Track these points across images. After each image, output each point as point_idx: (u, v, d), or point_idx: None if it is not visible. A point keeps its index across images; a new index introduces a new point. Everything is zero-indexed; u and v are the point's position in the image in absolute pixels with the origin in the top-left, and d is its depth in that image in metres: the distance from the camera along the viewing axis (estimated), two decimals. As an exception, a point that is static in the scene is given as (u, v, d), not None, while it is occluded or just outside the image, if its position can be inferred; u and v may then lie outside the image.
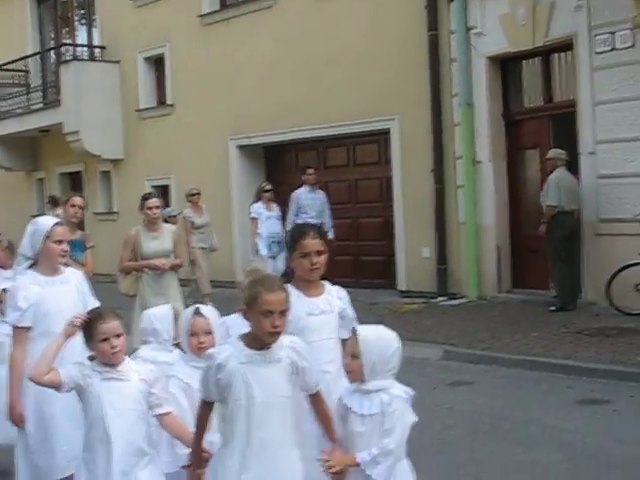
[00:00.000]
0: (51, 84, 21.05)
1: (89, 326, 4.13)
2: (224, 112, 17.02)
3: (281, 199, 14.69)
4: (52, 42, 22.64)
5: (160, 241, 8.74)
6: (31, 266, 5.09)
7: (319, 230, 4.56)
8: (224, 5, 17.62)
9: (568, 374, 8.67)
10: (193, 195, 14.03)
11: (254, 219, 14.09)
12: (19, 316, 4.90)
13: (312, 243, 4.36)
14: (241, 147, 17.18)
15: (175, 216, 14.06)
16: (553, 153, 11.89)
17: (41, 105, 21.04)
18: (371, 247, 14.64)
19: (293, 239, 4.50)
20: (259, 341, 3.66)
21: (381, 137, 14.92)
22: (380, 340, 3.82)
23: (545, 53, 12.74)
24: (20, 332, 4.92)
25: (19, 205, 22.46)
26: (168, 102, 18.70)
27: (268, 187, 14.32)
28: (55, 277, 5.13)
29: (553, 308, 11.60)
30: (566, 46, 12.22)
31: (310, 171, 14.21)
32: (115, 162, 20.05)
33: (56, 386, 4.08)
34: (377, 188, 15.24)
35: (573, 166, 11.93)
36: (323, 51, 15.12)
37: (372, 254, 14.64)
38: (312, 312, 4.33)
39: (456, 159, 13.44)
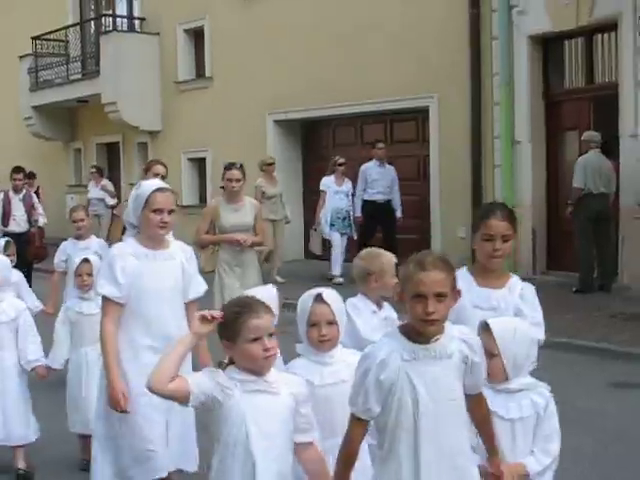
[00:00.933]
0: (90, 55, 21.12)
1: (233, 321, 3.21)
2: (262, 86, 16.99)
3: (317, 175, 14.67)
4: (92, 13, 22.71)
5: (241, 214, 8.04)
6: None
7: (509, 212, 3.99)
8: (265, -21, 17.56)
9: (602, 357, 8.64)
10: (269, 165, 13.84)
11: (322, 192, 13.88)
12: (115, 289, 4.38)
13: (499, 225, 3.86)
14: (278, 122, 17.17)
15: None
16: (586, 135, 11.84)
17: (80, 75, 21.11)
18: (406, 225, 14.57)
19: (478, 217, 3.98)
20: (420, 333, 3.03)
21: (419, 115, 14.85)
22: (517, 332, 3.46)
23: (588, 33, 12.57)
24: (113, 307, 4.42)
25: (57, 175, 22.64)
26: (207, 75, 18.70)
27: (341, 160, 13.89)
28: (158, 251, 4.53)
29: (574, 289, 11.59)
30: (610, 27, 12.06)
31: (380, 145, 13.92)
32: (152, 134, 20.11)
33: (181, 397, 3.19)
34: (414, 166, 15.18)
35: (614, 149, 11.83)
36: (363, 28, 15.02)
37: (407, 232, 14.57)
38: (479, 305, 3.86)
39: (494, 139, 13.35)
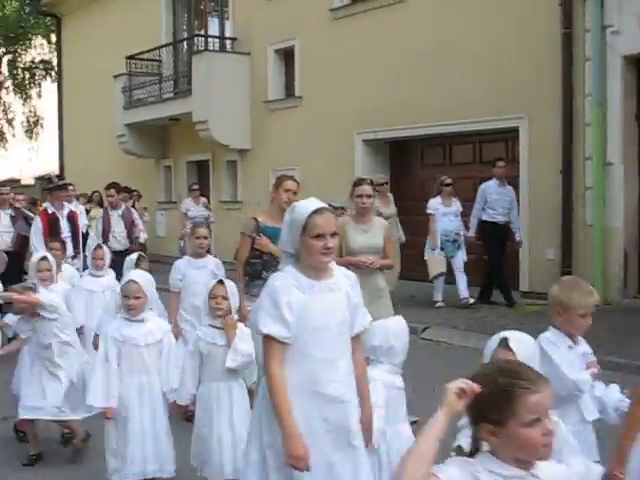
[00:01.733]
0: (183, 74, 21.54)
1: (504, 397, 2.47)
2: (351, 106, 17.10)
3: (404, 196, 14.68)
4: (185, 33, 23.15)
5: (370, 235, 7.39)
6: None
7: None
8: (355, -1, 17.72)
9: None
10: (381, 185, 12.98)
11: (430, 215, 13.25)
12: (283, 328, 3.83)
13: None
14: (366, 141, 17.24)
15: (340, 208, 13.45)
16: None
17: (172, 94, 21.53)
18: (494, 246, 14.42)
19: None
20: None
21: (509, 135, 14.74)
22: (532, 345, 3.64)
23: (684, 54, 12.37)
24: (279, 348, 3.85)
25: (147, 192, 23.03)
26: (296, 94, 18.89)
27: (448, 181, 13.29)
28: (322, 281, 3.97)
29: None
30: None
31: (500, 163, 13.30)
32: (242, 152, 20.38)
33: None
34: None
35: None
36: (451, 47, 15.03)
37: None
38: None
39: (585, 160, 13.17)
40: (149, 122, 22.20)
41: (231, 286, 5.66)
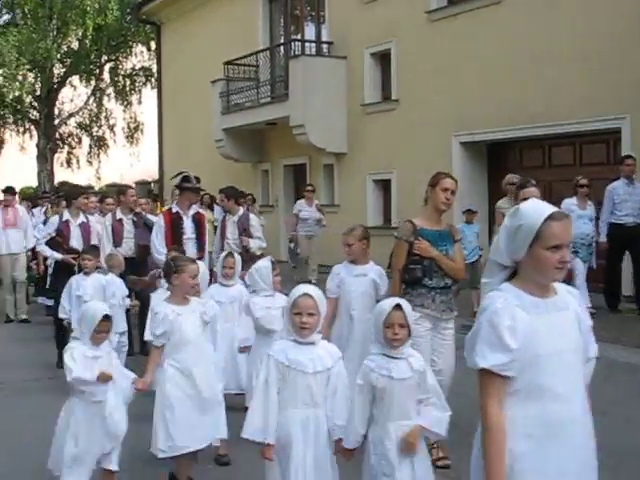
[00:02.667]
0: (279, 79, 21.71)
1: None
2: (448, 108, 16.99)
3: (496, 199, 14.44)
4: (281, 38, 23.34)
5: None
6: (510, 277, 3.44)
7: None
8: (452, 1, 17.58)
9: None
10: (512, 184, 11.83)
11: None
12: (504, 357, 3.24)
13: None
14: (464, 144, 17.10)
15: (474, 212, 13.26)
16: None
17: (269, 99, 21.72)
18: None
19: None
20: None
21: (610, 136, 14.43)
22: None
23: None
24: (500, 382, 3.25)
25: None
26: (393, 97, 18.85)
27: (584, 181, 12.31)
28: (548, 299, 3.38)
29: None
30: None
31: (629, 161, 12.48)
32: (338, 156, 20.43)
33: None
34: (605, 189, 14.73)
35: None
36: (550, 48, 14.80)
37: (597, 257, 14.15)
38: None
39: (692, 161, 12.81)
40: (246, 127, 22.45)
41: (408, 308, 4.77)
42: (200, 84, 24.48)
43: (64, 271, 10.69)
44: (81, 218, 11.36)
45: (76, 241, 11.09)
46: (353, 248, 7.13)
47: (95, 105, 40.45)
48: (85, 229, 11.27)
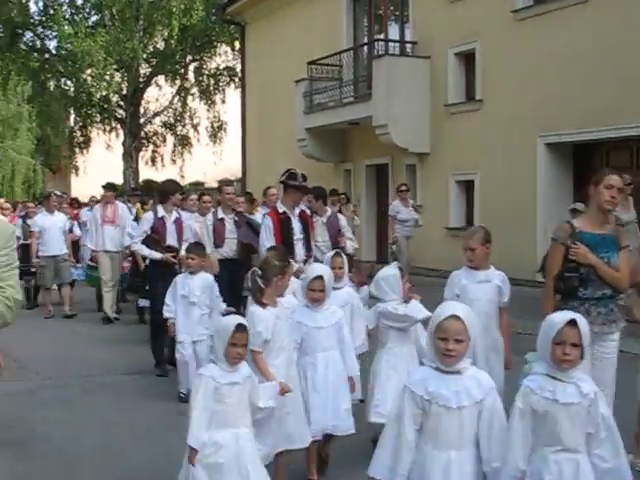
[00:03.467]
0: (362, 78, 21.71)
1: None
2: (533, 109, 16.77)
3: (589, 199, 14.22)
4: (365, 38, 23.33)
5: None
6: None
7: None
8: (538, 0, 17.34)
9: None
10: (627, 185, 11.08)
11: None
12: None
13: None
14: (549, 145, 16.85)
15: (580, 211, 12.61)
16: None
17: (352, 99, 21.72)
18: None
19: None
20: None
21: (702, 138, 14.11)
22: None
23: None
24: None
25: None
26: (477, 97, 18.69)
27: None
28: None
29: None
30: None
31: None
32: (421, 156, 20.33)
33: None
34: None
35: None
36: (637, 47, 14.49)
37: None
38: None
39: None
40: (329, 126, 22.48)
41: (584, 325, 4.10)
42: (283, 84, 24.62)
43: (162, 270, 10.18)
44: (174, 215, 10.67)
45: (172, 238, 10.52)
46: (476, 252, 6.58)
47: (179, 104, 41.09)
48: (179, 226, 10.63)
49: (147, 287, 11.22)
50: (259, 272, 5.64)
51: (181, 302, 8.72)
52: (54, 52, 37.62)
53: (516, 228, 16.40)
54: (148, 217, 10.80)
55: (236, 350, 4.81)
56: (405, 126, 19.70)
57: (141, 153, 40.30)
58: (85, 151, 42.51)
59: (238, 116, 30.80)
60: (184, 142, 41.95)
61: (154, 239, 10.44)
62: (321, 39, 23.40)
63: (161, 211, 10.61)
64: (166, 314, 8.84)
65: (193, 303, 8.68)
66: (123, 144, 38.40)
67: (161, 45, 37.92)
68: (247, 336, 4.91)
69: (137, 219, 13.82)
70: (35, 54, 37.94)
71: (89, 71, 35.24)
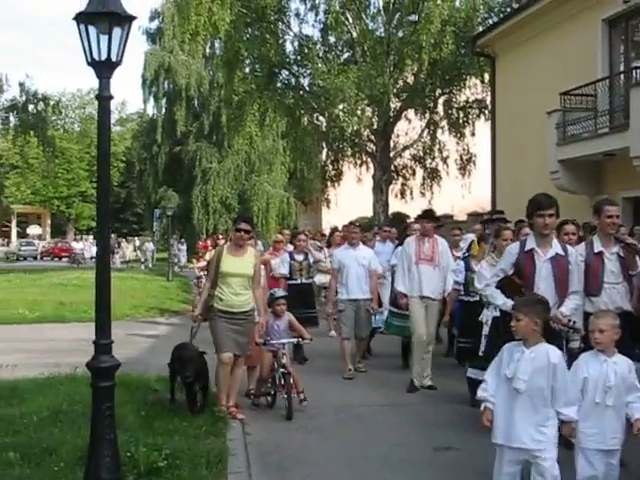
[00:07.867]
0: (619, 108, 20.95)
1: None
2: None
3: None
4: (621, 66, 22.54)
5: None
6: None
7: None
8: None
9: None
10: None
11: None
12: None
13: None
14: None
15: None
16: None
17: (607, 129, 21.01)
18: None
19: None
20: None
21: None
22: None
23: None
24: None
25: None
26: None
27: None
28: None
29: None
30: None
31: None
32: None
33: None
34: None
35: None
36: None
37: None
38: None
39: None
40: (582, 158, 21.84)
41: None
42: (535, 115, 24.20)
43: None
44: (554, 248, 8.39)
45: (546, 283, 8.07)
46: None
47: (429, 137, 41.36)
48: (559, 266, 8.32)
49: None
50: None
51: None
52: (308, 89, 38.93)
53: None
54: (512, 250, 8.40)
55: None
56: (666, 157, 18.82)
57: (391, 186, 40.82)
58: (337, 184, 43.71)
59: (487, 149, 30.58)
60: (433, 175, 42.21)
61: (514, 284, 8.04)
62: (574, 68, 22.83)
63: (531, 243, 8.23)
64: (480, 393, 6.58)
65: None
66: (373, 177, 39.04)
67: (411, 79, 38.32)
68: None
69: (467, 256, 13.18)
70: (290, 92, 39.43)
71: (341, 106, 36.15)
